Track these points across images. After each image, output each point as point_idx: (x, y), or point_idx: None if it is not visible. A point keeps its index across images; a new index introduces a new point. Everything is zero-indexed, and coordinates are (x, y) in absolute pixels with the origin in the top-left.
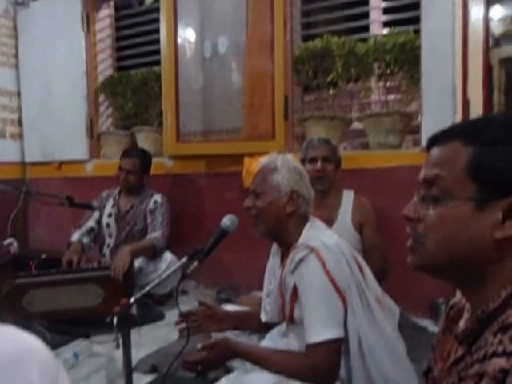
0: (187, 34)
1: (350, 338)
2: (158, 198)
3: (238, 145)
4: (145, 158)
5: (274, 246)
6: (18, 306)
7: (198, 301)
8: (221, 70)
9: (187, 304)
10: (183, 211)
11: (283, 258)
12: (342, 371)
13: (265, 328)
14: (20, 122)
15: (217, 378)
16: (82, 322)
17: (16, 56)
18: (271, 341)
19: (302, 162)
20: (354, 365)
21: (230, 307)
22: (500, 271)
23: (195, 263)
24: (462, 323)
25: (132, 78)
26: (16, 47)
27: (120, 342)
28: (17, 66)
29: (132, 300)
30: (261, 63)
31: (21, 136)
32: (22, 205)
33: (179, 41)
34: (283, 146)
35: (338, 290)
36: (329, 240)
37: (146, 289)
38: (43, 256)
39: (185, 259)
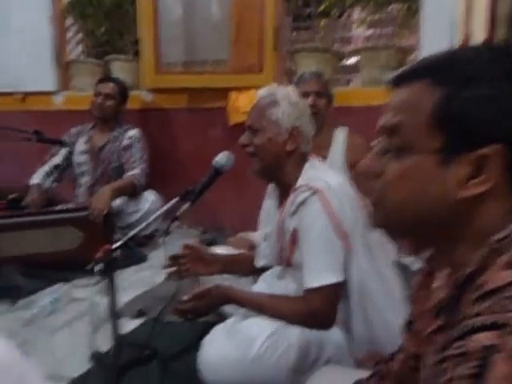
0: None
1: (350, 281)
2: (133, 132)
3: (223, 78)
4: (123, 85)
5: (271, 187)
6: None
7: (183, 244)
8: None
9: (170, 245)
10: (163, 148)
11: (281, 199)
12: (341, 315)
13: (256, 272)
14: None
15: (208, 323)
16: (60, 266)
17: None
18: (265, 284)
19: None
20: (354, 308)
21: (220, 249)
22: (470, 232)
23: (186, 205)
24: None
25: None
26: None
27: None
28: None
29: (116, 245)
30: None
31: None
32: None
33: None
34: (272, 80)
35: (340, 233)
36: (332, 180)
37: (132, 233)
38: (12, 196)
39: (175, 200)
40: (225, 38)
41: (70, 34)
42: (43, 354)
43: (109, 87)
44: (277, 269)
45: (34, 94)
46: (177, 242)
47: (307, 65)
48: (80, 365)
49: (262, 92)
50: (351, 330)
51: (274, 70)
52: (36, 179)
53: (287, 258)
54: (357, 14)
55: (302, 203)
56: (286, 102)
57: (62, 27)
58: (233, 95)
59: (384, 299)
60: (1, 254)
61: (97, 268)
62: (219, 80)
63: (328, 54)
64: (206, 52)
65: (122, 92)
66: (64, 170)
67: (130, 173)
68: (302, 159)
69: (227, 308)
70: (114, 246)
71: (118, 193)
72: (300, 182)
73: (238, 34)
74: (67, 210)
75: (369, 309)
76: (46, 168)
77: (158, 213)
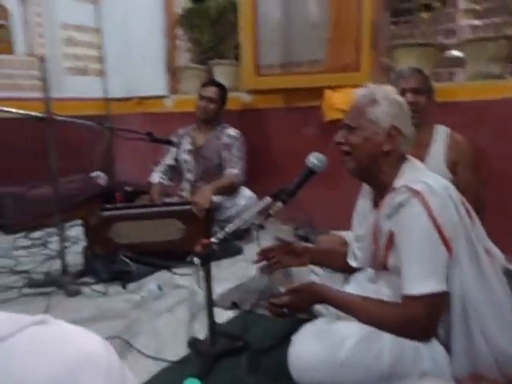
0: None
1: (452, 291)
2: (232, 132)
3: (319, 77)
4: (223, 88)
5: (365, 187)
6: (105, 238)
7: (275, 237)
8: None
9: (264, 240)
10: (261, 147)
11: (376, 200)
12: (440, 327)
13: (347, 269)
14: (102, 59)
15: (299, 319)
16: (164, 255)
17: None
18: (358, 286)
19: None
20: (455, 322)
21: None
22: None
23: (279, 204)
24: None
25: (208, 8)
26: None
27: (201, 278)
28: (96, 2)
29: (215, 240)
30: None
31: (103, 73)
32: (107, 140)
33: None
34: (369, 78)
35: (443, 238)
36: (434, 182)
37: (230, 229)
38: (128, 188)
39: (268, 200)
40: (321, 38)
41: (180, 43)
42: (148, 335)
43: (211, 91)
44: (370, 271)
45: (149, 98)
46: (271, 237)
47: (406, 61)
48: (179, 349)
49: (361, 91)
50: (451, 345)
51: (370, 68)
52: (156, 178)
53: (382, 262)
54: (462, 3)
55: (401, 205)
56: (385, 101)
57: (173, 38)
58: (328, 93)
59: (490, 313)
60: (117, 241)
61: (196, 261)
62: (315, 79)
63: (429, 48)
64: (303, 53)
65: (223, 95)
66: (175, 169)
67: (230, 171)
68: (400, 159)
69: (318, 307)
70: (213, 240)
71: (218, 191)
72: (398, 183)
73: (335, 33)
74: (173, 204)
75: (472, 325)
76: (162, 168)
77: (253, 210)
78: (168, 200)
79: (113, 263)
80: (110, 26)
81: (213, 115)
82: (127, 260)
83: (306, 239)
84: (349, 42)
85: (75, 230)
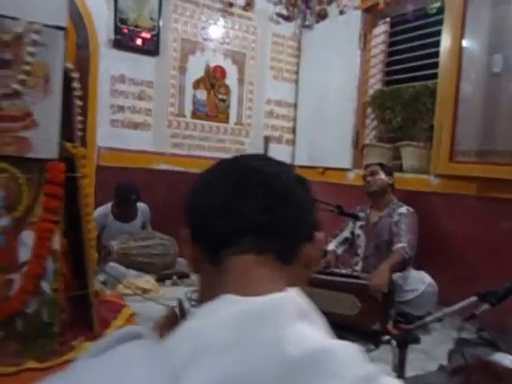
0: (473, 46)
1: None
2: (403, 209)
3: None
4: (384, 165)
5: None
6: None
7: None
8: None
9: (441, 334)
10: (442, 231)
11: None
12: None
13: None
14: (294, 130)
15: None
16: (339, 327)
17: (297, 72)
18: None
19: None
20: None
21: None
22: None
23: (485, 306)
24: None
25: (403, 92)
26: (297, 65)
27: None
28: (296, 82)
29: (412, 326)
30: None
31: (293, 142)
32: None
33: (463, 53)
34: None
35: None
36: None
37: (430, 320)
38: None
39: (474, 299)
40: None
41: (367, 122)
42: None
43: (372, 167)
44: None
45: (333, 170)
46: (451, 331)
47: None
48: None
49: None
50: None
51: None
52: (331, 246)
53: None
54: None
55: None
56: None
57: (363, 116)
58: None
59: None
60: None
61: (393, 343)
62: None
63: None
64: (505, 142)
65: (386, 170)
66: (352, 243)
67: (398, 245)
68: None
69: None
70: (411, 326)
71: (394, 269)
72: None
73: None
74: (351, 276)
75: None
76: (339, 239)
77: (454, 308)
78: (344, 271)
79: None
80: (305, 102)
81: (380, 188)
82: None
83: (493, 346)
84: None
85: None
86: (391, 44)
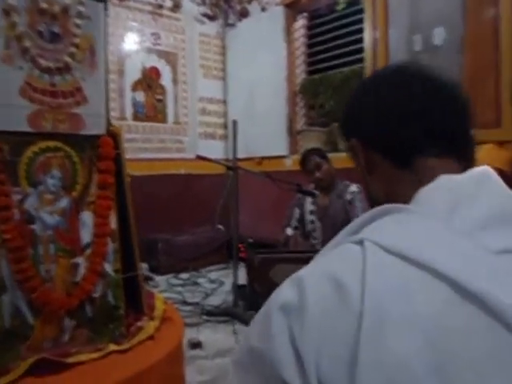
0: (396, 30)
1: None
2: (354, 188)
3: None
4: (319, 150)
5: None
6: (266, 277)
7: None
8: (434, 63)
9: None
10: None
11: None
12: None
13: None
14: (225, 126)
15: None
16: None
17: (223, 70)
18: None
19: None
20: None
21: None
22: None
23: None
24: None
25: (332, 78)
26: (224, 62)
27: None
28: (224, 79)
29: None
30: (482, 52)
31: (226, 137)
32: (229, 195)
33: (388, 38)
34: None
35: None
36: None
37: None
38: (250, 240)
39: None
40: None
41: (297, 109)
42: None
43: (313, 162)
44: None
45: (269, 158)
46: None
47: None
48: None
49: None
50: None
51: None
52: (290, 232)
53: None
54: None
55: None
56: None
57: (294, 105)
58: None
59: None
60: (277, 281)
61: None
62: None
63: None
64: None
65: (323, 155)
66: (303, 227)
67: None
68: None
69: None
70: None
71: None
72: None
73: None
74: (316, 251)
75: None
76: (293, 224)
77: None
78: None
79: None
80: (235, 98)
81: (330, 176)
82: None
83: None
84: (485, 103)
85: (215, 274)
86: (311, 36)
